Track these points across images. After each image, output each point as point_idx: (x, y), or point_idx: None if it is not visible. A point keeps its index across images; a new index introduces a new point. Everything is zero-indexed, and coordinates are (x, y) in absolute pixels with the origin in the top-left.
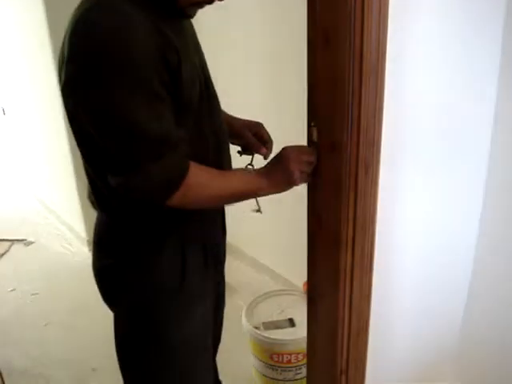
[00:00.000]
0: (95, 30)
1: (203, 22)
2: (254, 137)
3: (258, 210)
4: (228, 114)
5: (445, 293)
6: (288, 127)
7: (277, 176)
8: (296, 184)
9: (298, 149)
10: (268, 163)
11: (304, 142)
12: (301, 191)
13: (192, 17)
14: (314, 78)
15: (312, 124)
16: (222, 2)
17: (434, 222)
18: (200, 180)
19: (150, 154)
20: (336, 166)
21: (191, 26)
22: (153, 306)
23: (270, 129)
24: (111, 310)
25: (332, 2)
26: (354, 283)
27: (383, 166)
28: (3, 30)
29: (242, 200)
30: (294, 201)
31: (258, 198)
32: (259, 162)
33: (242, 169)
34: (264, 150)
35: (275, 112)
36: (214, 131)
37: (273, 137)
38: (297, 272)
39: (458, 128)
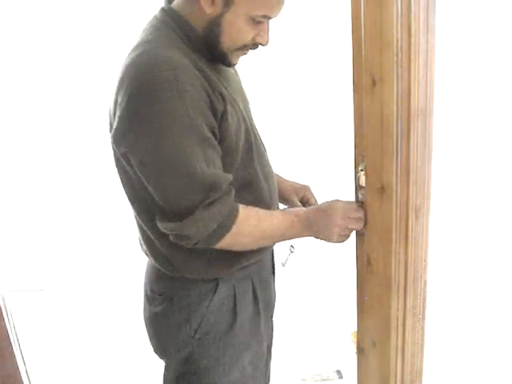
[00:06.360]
0: (145, 77)
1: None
2: (300, 201)
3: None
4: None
5: (501, 343)
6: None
7: (318, 226)
8: (332, 240)
9: (346, 206)
10: (314, 208)
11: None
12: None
13: (234, 65)
14: (360, 121)
15: (360, 169)
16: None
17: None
18: (248, 222)
19: (201, 200)
20: (385, 210)
21: (236, 72)
22: (204, 348)
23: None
24: (161, 358)
25: (378, 42)
26: (406, 331)
27: (434, 209)
28: None
29: (280, 241)
30: (342, 245)
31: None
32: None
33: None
34: None
35: (319, 156)
36: (266, 180)
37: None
38: (344, 321)
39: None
